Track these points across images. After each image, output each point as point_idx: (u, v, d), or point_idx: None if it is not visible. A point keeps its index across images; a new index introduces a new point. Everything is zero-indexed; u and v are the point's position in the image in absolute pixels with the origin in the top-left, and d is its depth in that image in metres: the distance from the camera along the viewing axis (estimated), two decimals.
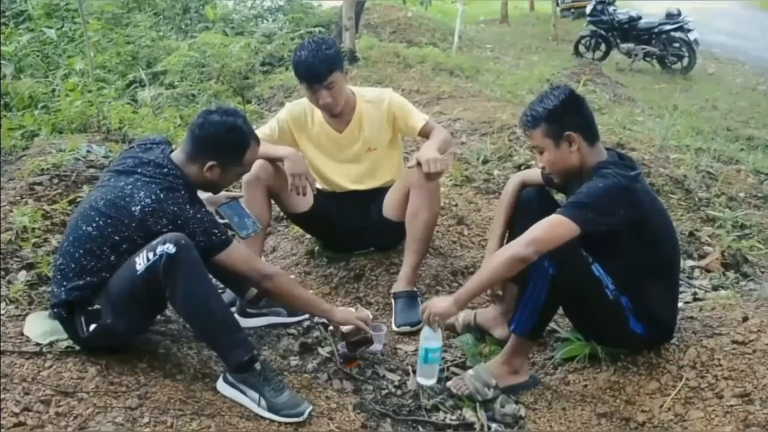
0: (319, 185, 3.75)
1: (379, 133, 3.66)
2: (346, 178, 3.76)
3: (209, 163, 2.81)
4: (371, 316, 3.30)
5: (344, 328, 3.12)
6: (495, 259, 2.86)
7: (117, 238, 2.67)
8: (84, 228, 2.71)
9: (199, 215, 2.74)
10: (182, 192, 2.76)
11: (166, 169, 2.77)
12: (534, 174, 3.30)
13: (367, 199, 3.75)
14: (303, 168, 3.44)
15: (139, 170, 2.76)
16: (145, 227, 2.64)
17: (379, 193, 3.74)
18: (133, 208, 2.66)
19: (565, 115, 2.85)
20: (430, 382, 3.15)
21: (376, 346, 3.25)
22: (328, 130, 3.67)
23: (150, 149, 2.90)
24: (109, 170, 2.92)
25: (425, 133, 3.60)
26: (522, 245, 2.75)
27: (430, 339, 3.06)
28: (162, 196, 2.68)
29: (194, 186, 2.88)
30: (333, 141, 3.69)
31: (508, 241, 3.24)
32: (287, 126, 3.70)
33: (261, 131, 3.49)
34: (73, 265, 2.69)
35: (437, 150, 3.41)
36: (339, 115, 3.58)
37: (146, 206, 2.65)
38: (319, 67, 3.40)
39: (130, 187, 2.71)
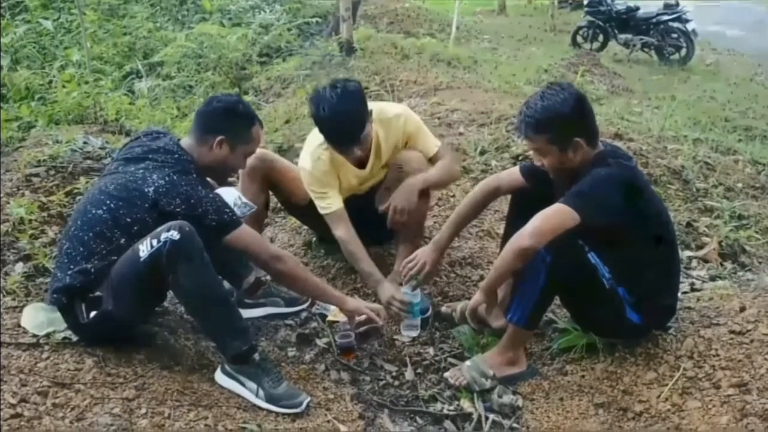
0: None
1: (392, 152, 3.52)
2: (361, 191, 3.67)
3: (218, 138, 2.88)
4: (384, 309, 3.28)
5: (357, 318, 3.15)
6: (504, 252, 2.86)
7: (129, 219, 2.69)
8: (94, 211, 2.72)
9: (211, 195, 2.80)
10: (194, 175, 2.81)
11: (177, 155, 2.82)
12: (509, 177, 3.28)
13: (364, 195, 3.71)
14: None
15: (150, 156, 2.81)
16: (158, 207, 2.67)
17: (377, 188, 3.70)
18: (146, 189, 2.69)
19: (573, 123, 2.80)
20: (417, 332, 3.41)
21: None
22: (353, 170, 3.48)
23: (157, 138, 2.94)
24: (116, 159, 2.95)
25: (434, 161, 3.48)
26: (526, 237, 2.74)
27: (412, 296, 3.30)
28: (175, 178, 2.73)
29: (204, 171, 2.91)
30: (359, 178, 3.53)
31: (508, 234, 3.26)
32: (327, 180, 3.44)
33: (325, 205, 3.42)
34: (81, 249, 2.69)
35: (428, 182, 3.38)
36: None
37: (160, 187, 2.69)
38: (352, 128, 3.15)
39: (142, 171, 2.75)
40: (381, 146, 3.44)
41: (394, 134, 3.43)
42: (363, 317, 3.16)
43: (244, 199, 3.21)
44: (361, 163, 3.45)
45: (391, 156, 3.51)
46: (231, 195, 3.18)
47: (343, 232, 3.42)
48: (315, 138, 3.41)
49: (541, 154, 2.89)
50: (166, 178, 2.71)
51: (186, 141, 2.93)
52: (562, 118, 2.77)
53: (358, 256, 3.42)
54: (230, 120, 2.91)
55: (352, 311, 3.14)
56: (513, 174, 3.27)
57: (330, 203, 3.42)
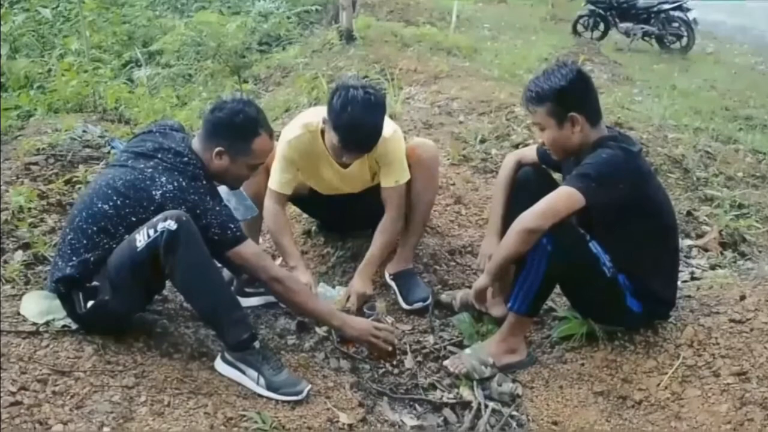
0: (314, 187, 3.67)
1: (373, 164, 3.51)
2: (348, 190, 3.63)
3: (217, 149, 2.81)
4: (393, 329, 3.24)
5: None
6: (508, 235, 2.87)
7: (134, 219, 2.67)
8: (100, 205, 2.70)
9: (218, 208, 2.75)
10: (203, 182, 2.77)
11: (186, 158, 2.78)
12: (529, 152, 3.31)
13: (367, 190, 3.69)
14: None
15: (159, 155, 2.77)
16: (164, 212, 2.63)
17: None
18: (154, 192, 2.67)
19: (571, 96, 2.83)
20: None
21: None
22: (332, 164, 3.43)
23: (168, 135, 2.90)
24: (125, 150, 2.91)
25: (384, 197, 3.45)
26: (531, 217, 2.77)
27: (328, 295, 3.39)
28: (184, 184, 2.69)
29: (212, 177, 2.86)
30: (338, 175, 3.50)
31: (507, 220, 3.25)
32: (296, 165, 3.44)
33: (275, 181, 3.40)
34: (84, 241, 2.68)
35: (375, 268, 3.48)
36: None
37: (167, 192, 2.66)
38: (369, 140, 3.16)
39: (150, 170, 2.72)
40: (366, 159, 3.40)
41: (375, 152, 3.33)
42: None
43: (250, 202, 3.19)
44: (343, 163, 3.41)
45: (373, 167, 3.49)
46: (235, 196, 3.16)
47: (276, 207, 3.42)
48: (308, 116, 3.42)
49: (541, 128, 2.93)
50: (175, 183, 2.68)
51: (195, 143, 2.86)
52: (561, 90, 2.82)
53: (282, 231, 3.44)
54: (229, 132, 2.82)
55: (353, 339, 3.08)
56: (530, 151, 3.33)
57: (283, 185, 3.41)
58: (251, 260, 2.82)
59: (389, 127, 3.35)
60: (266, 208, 3.43)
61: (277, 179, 3.41)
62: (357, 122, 3.06)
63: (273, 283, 2.86)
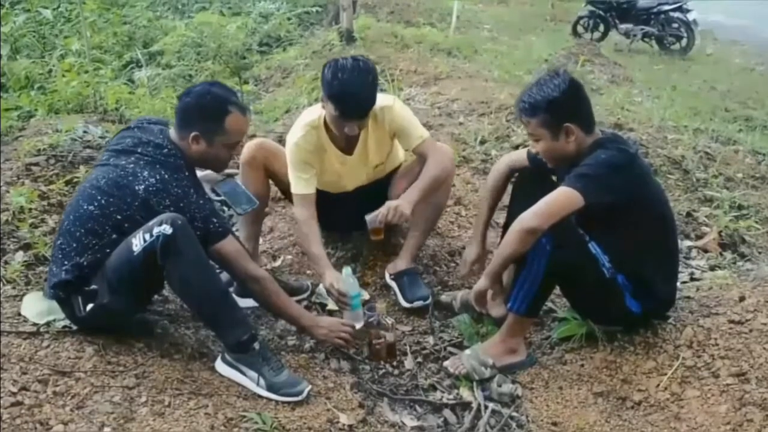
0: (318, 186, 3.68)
1: (384, 148, 3.56)
2: (352, 186, 3.68)
3: (193, 134, 2.80)
4: (353, 324, 3.22)
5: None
6: (508, 236, 2.87)
7: (119, 217, 2.67)
8: (85, 207, 2.70)
9: (201, 201, 2.75)
10: (186, 173, 2.77)
11: (166, 150, 2.78)
12: (521, 156, 3.30)
13: (368, 187, 3.71)
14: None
15: (139, 150, 2.76)
16: (148, 207, 2.64)
17: (381, 180, 3.71)
18: (136, 187, 2.66)
19: (564, 107, 2.83)
20: (360, 323, 3.28)
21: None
22: (337, 154, 3.49)
23: (147, 128, 2.89)
24: (107, 149, 2.91)
25: (418, 153, 3.47)
26: (530, 218, 2.77)
27: (351, 287, 3.23)
28: (166, 177, 2.69)
29: (194, 165, 2.87)
30: (342, 163, 3.54)
31: (507, 220, 3.26)
32: (309, 162, 3.45)
33: (296, 185, 3.42)
34: (74, 244, 2.68)
35: (418, 197, 3.34)
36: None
37: (150, 185, 2.66)
38: (364, 101, 3.19)
39: (132, 166, 2.72)
40: (368, 137, 3.44)
41: (380, 126, 3.43)
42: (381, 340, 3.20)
43: (249, 195, 3.19)
44: (347, 148, 3.46)
45: (383, 154, 3.54)
46: (235, 189, 3.15)
47: (304, 213, 3.43)
48: (308, 116, 3.45)
49: (535, 139, 2.93)
50: (158, 176, 2.68)
51: (173, 134, 2.86)
52: (553, 102, 2.82)
53: (311, 239, 3.42)
54: (199, 114, 2.81)
55: (321, 341, 3.12)
56: (521, 155, 3.32)
57: (304, 185, 3.43)
58: (231, 256, 2.81)
59: (388, 97, 3.45)
60: (296, 215, 3.48)
61: (298, 182, 3.43)
62: (349, 86, 3.12)
63: (250, 281, 2.86)
